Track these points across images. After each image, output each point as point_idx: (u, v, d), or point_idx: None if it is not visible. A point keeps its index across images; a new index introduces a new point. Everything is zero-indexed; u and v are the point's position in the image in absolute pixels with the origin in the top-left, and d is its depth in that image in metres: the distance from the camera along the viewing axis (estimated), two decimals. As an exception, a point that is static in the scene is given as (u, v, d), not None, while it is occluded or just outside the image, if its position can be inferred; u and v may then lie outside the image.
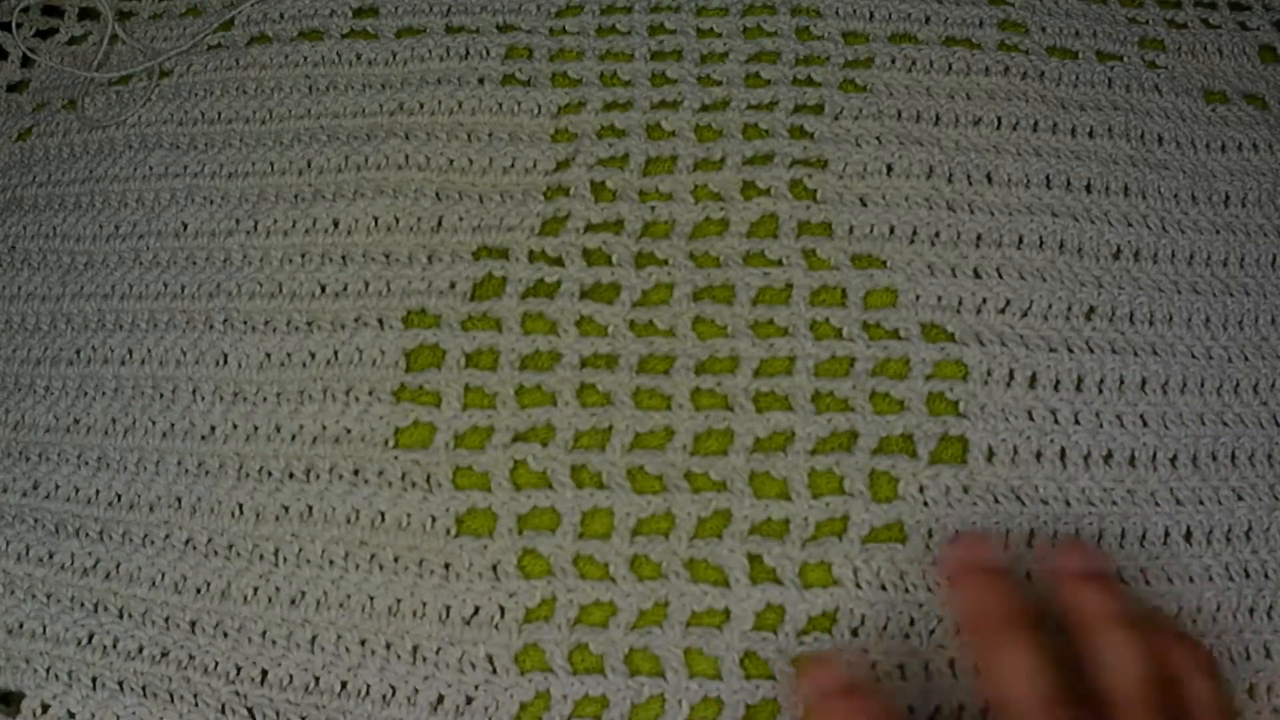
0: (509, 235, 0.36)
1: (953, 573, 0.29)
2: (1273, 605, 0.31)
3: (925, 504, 0.32)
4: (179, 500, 0.34)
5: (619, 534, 0.32)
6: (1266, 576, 0.32)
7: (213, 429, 0.34)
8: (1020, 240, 0.35)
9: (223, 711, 0.32)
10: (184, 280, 0.37)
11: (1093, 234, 0.35)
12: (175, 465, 0.34)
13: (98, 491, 0.35)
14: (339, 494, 0.33)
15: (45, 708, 0.33)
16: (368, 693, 0.31)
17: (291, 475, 0.33)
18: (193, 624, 0.33)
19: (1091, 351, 0.34)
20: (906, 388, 0.33)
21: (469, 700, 0.31)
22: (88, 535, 0.34)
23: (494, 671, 0.31)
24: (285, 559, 0.33)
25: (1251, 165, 0.37)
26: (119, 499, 0.34)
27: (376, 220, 0.37)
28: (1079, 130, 0.37)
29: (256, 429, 0.34)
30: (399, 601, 0.32)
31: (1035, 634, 0.26)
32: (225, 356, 0.35)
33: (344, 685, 0.31)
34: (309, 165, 0.38)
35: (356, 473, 0.33)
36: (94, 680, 0.33)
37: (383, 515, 0.33)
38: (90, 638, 0.33)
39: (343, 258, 0.36)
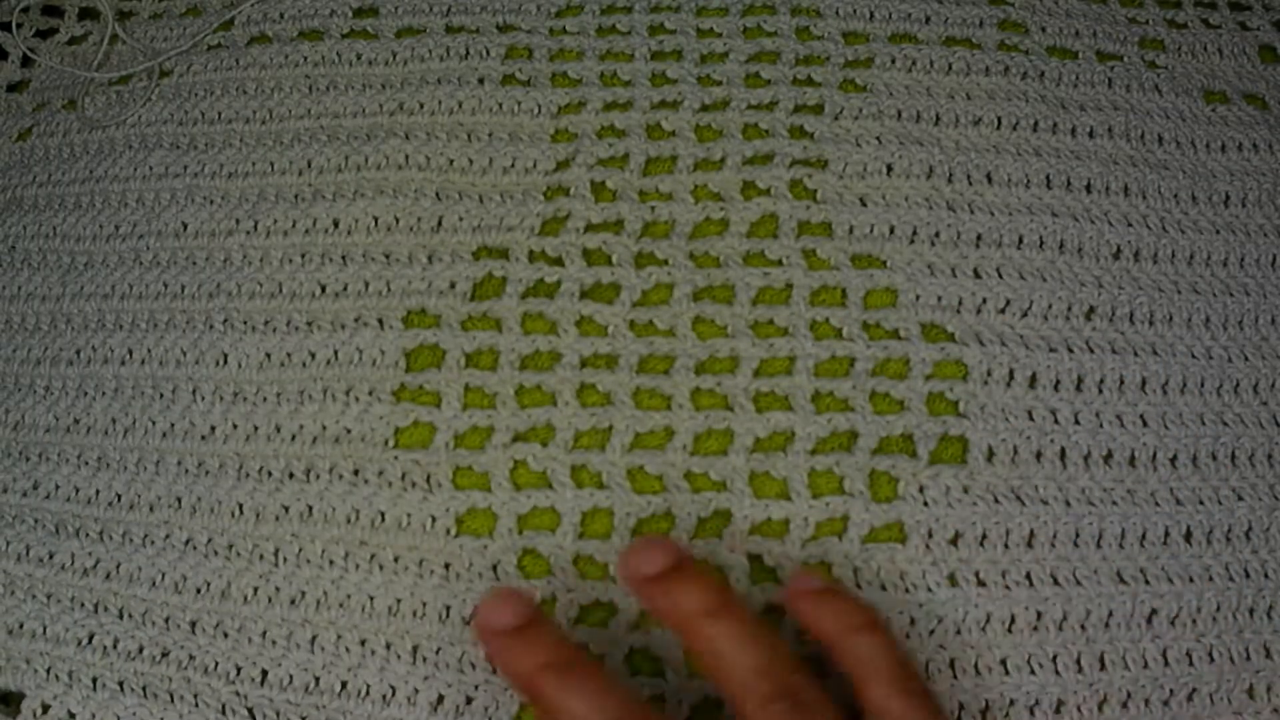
0: (509, 235, 0.36)
1: (635, 588, 0.29)
2: (1273, 605, 0.31)
3: (925, 504, 0.32)
4: (179, 500, 0.34)
5: (619, 534, 0.32)
6: (1266, 576, 0.32)
7: (213, 429, 0.34)
8: (1020, 240, 0.35)
9: (223, 712, 0.32)
10: (184, 280, 0.37)
11: (1093, 234, 0.35)
12: (175, 465, 0.34)
13: (98, 491, 0.35)
14: (339, 494, 0.33)
15: (46, 708, 0.33)
16: (368, 693, 0.31)
17: (291, 475, 0.33)
18: (193, 624, 0.33)
19: (1091, 351, 0.34)
20: (906, 388, 0.33)
21: (469, 700, 0.31)
22: (88, 535, 0.34)
23: (494, 671, 0.31)
24: (285, 559, 0.33)
25: (1251, 165, 0.37)
26: (119, 499, 0.34)
27: (376, 220, 0.37)
28: (1079, 130, 0.37)
29: (256, 429, 0.34)
30: (399, 601, 0.32)
31: (737, 614, 0.27)
32: (225, 356, 0.35)
33: (344, 685, 0.31)
34: (309, 165, 0.38)
35: (356, 473, 0.33)
36: (94, 681, 0.33)
37: (383, 515, 0.33)
38: (91, 638, 0.33)
39: (343, 258, 0.36)
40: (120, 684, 0.32)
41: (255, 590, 0.33)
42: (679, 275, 0.35)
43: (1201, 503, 0.32)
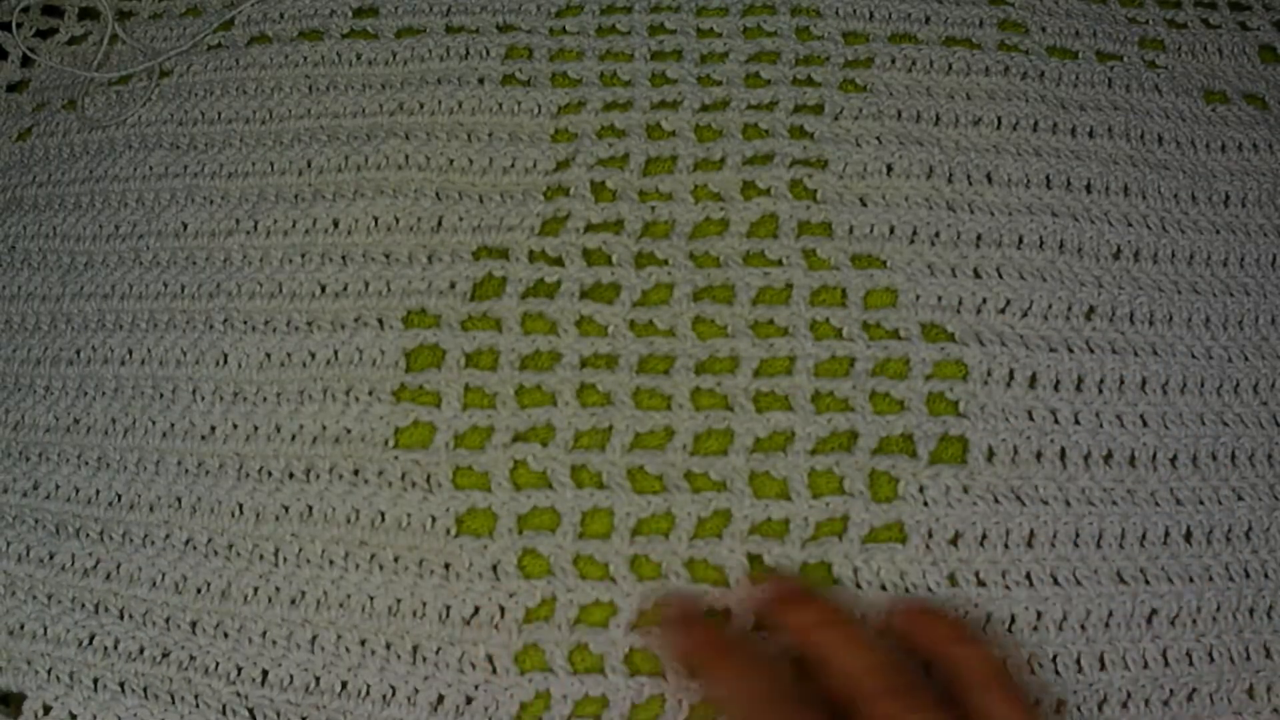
0: (509, 235, 0.36)
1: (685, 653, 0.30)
2: (1273, 605, 0.32)
3: (925, 504, 0.32)
4: (179, 500, 0.34)
5: (619, 534, 0.32)
6: (1266, 576, 0.32)
7: (213, 429, 0.34)
8: (1020, 240, 0.35)
9: (224, 712, 0.32)
10: (184, 280, 0.37)
11: (1093, 234, 0.35)
12: (175, 465, 0.34)
13: (98, 491, 0.35)
14: (339, 494, 0.33)
15: (47, 709, 0.33)
16: (368, 693, 0.31)
17: (291, 475, 0.33)
18: (193, 624, 0.33)
19: (1091, 351, 0.34)
20: (906, 388, 0.33)
21: (469, 700, 0.31)
22: (88, 536, 0.34)
23: (494, 671, 0.31)
24: (285, 559, 0.33)
25: (1251, 165, 0.37)
26: (119, 499, 0.34)
27: (376, 220, 0.37)
28: (1079, 130, 0.37)
29: (256, 429, 0.34)
30: (399, 601, 0.32)
31: (744, 653, 0.28)
32: (225, 356, 0.35)
33: (344, 685, 0.31)
34: (309, 165, 0.38)
35: (356, 473, 0.33)
36: (96, 681, 0.33)
37: (383, 515, 0.33)
38: (91, 639, 0.33)
39: (343, 258, 0.36)
40: (121, 685, 0.32)
41: (255, 590, 0.33)
42: (679, 275, 0.35)
43: (1201, 503, 0.32)
